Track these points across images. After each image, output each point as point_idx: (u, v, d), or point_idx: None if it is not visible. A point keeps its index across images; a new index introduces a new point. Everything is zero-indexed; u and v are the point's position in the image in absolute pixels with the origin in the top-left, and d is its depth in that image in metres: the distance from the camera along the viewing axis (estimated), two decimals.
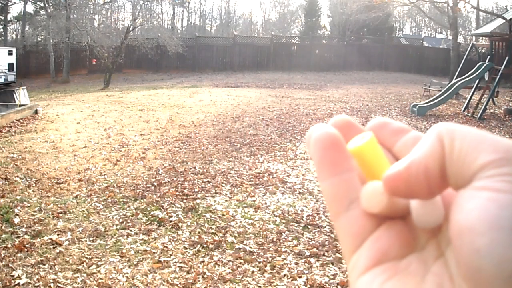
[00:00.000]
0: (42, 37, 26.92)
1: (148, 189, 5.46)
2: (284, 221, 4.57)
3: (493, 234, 0.20)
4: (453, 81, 13.05)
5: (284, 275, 3.51)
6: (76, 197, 5.17)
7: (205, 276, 3.48)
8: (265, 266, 3.65)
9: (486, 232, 0.20)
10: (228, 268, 3.61)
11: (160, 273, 3.52)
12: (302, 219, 4.60)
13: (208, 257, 3.79)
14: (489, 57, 12.96)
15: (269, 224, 4.49)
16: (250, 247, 3.96)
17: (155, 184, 5.66)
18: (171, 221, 4.48)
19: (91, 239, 4.09)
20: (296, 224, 4.49)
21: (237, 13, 61.97)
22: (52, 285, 3.31)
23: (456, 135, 0.24)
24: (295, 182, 5.84)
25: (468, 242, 0.21)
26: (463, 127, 0.24)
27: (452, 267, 0.23)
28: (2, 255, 3.72)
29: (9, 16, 30.37)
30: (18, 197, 5.08)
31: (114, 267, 3.58)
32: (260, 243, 4.05)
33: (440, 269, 0.24)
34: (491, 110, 12.42)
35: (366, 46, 28.32)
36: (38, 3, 28.24)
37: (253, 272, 3.56)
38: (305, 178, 6.05)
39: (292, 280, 3.44)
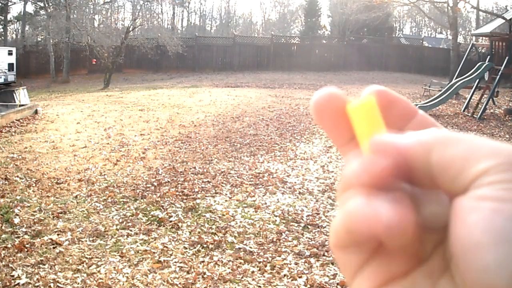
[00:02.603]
0: (42, 37, 26.92)
1: (148, 189, 5.46)
2: (284, 221, 4.57)
3: (501, 248, 0.19)
4: (453, 81, 13.05)
5: (284, 275, 3.51)
6: (76, 197, 5.17)
7: (205, 276, 3.48)
8: (265, 266, 3.65)
9: (494, 247, 0.19)
10: (228, 268, 3.61)
11: (160, 273, 3.52)
12: (302, 219, 4.60)
13: (208, 257, 3.79)
14: (489, 57, 12.97)
15: (269, 224, 4.49)
16: (250, 247, 3.96)
17: (155, 184, 5.66)
18: (171, 221, 4.49)
19: (91, 239, 4.09)
20: (296, 224, 4.49)
21: (237, 13, 61.98)
22: (52, 285, 3.31)
23: (450, 141, 0.22)
24: (295, 182, 5.84)
25: (475, 259, 0.19)
26: (459, 134, 0.23)
27: (459, 284, 0.22)
28: (2, 255, 3.72)
29: (9, 16, 30.38)
30: (18, 197, 5.08)
31: (114, 267, 3.58)
32: (260, 243, 4.05)
33: (447, 285, 0.22)
34: (491, 110, 12.42)
35: (366, 46, 28.33)
36: (38, 3, 28.25)
37: (253, 272, 3.56)
38: (305, 178, 6.05)
39: (292, 280, 3.44)
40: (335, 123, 0.27)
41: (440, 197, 0.24)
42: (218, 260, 3.72)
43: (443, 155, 0.22)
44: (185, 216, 4.65)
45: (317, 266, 3.65)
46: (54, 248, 3.89)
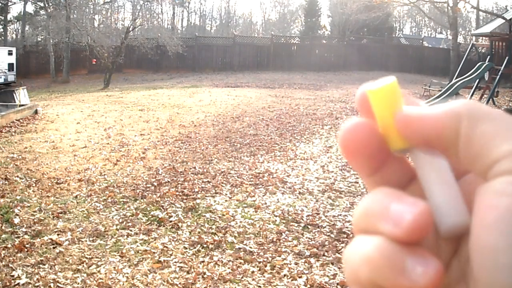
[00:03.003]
0: (42, 37, 26.92)
1: (148, 189, 5.46)
2: (284, 221, 4.57)
3: None
4: (453, 81, 13.05)
5: (284, 275, 3.51)
6: (76, 197, 5.17)
7: (205, 276, 3.48)
8: (265, 266, 3.65)
9: (509, 250, 0.19)
10: (228, 268, 3.61)
11: (160, 273, 3.52)
12: (302, 219, 4.60)
13: (208, 257, 3.79)
14: (489, 57, 12.98)
15: (269, 224, 4.49)
16: (250, 247, 3.96)
17: (155, 184, 5.66)
18: (171, 221, 4.49)
19: (91, 239, 4.09)
20: (296, 224, 4.49)
21: (237, 13, 62.00)
22: (52, 285, 3.31)
23: (483, 115, 0.22)
24: (295, 182, 5.84)
25: (491, 260, 0.20)
26: (491, 109, 0.22)
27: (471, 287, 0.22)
28: (2, 255, 3.72)
29: (9, 16, 30.39)
30: (18, 197, 5.08)
31: (114, 267, 3.58)
32: (260, 243, 4.05)
33: None
34: None
35: (366, 46, 28.33)
36: (38, 3, 28.25)
37: (253, 272, 3.56)
38: (305, 178, 6.05)
39: (292, 280, 3.44)
40: (363, 154, 0.26)
41: (460, 207, 0.24)
42: (218, 260, 3.72)
43: (472, 130, 0.22)
44: (185, 216, 4.65)
45: (317, 266, 3.65)
46: (54, 248, 3.89)
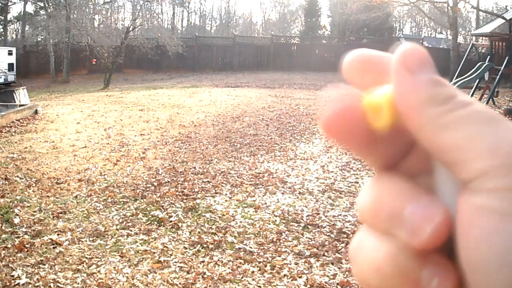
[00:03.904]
0: (42, 37, 26.93)
1: (148, 189, 5.46)
2: (284, 221, 4.57)
3: (506, 271, 0.19)
4: (453, 81, 13.05)
5: (284, 275, 3.51)
6: (76, 197, 5.17)
7: (205, 276, 3.48)
8: (265, 266, 3.65)
9: (499, 269, 0.19)
10: (228, 268, 3.61)
11: (160, 273, 3.52)
12: (302, 219, 4.60)
13: (208, 257, 3.79)
14: (489, 57, 12.97)
15: (269, 224, 4.49)
16: (250, 247, 3.96)
17: (155, 184, 5.66)
18: (171, 221, 4.49)
19: (91, 239, 4.09)
20: (296, 224, 4.49)
21: (237, 13, 61.97)
22: (52, 285, 3.31)
23: (448, 118, 0.21)
24: (295, 182, 5.84)
25: (483, 279, 0.19)
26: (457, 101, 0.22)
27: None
28: (2, 255, 3.72)
29: (9, 16, 30.38)
30: (18, 197, 5.08)
31: (114, 267, 3.58)
32: (260, 243, 4.05)
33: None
34: None
35: (366, 46, 28.07)
36: (38, 3, 28.25)
37: (253, 272, 3.56)
38: (305, 178, 6.05)
39: (292, 280, 3.44)
40: (351, 140, 0.26)
41: None
42: (218, 260, 3.72)
43: (438, 137, 0.21)
44: (185, 216, 4.65)
45: (317, 266, 3.65)
46: (54, 248, 3.89)
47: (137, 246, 3.96)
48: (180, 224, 4.43)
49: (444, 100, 0.22)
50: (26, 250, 3.82)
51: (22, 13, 29.75)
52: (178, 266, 3.62)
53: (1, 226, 4.28)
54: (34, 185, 5.55)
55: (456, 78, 13.11)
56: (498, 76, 11.65)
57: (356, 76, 0.27)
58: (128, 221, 4.50)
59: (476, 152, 0.20)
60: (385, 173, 0.25)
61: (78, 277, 3.44)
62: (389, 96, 0.24)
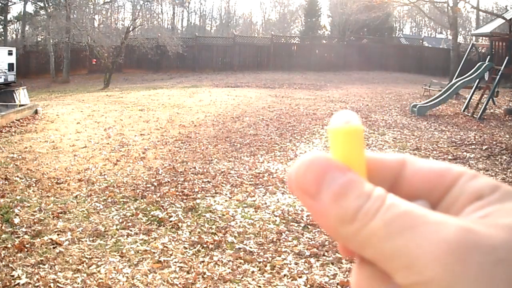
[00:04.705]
0: (42, 37, 26.92)
1: (148, 189, 5.46)
2: (284, 221, 4.57)
3: None
4: (453, 81, 13.05)
5: (284, 275, 3.51)
6: (76, 197, 5.17)
7: (205, 276, 3.48)
8: (265, 266, 3.65)
9: None
10: (228, 268, 3.61)
11: (160, 273, 3.52)
12: (302, 219, 4.60)
13: (208, 257, 3.79)
14: (489, 57, 12.96)
15: (269, 224, 4.49)
16: (250, 247, 3.96)
17: (155, 184, 5.66)
18: (171, 221, 4.48)
19: (91, 239, 4.09)
20: (296, 224, 4.49)
21: (237, 13, 61.99)
22: (52, 285, 3.31)
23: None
24: None
25: None
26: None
27: None
28: (2, 255, 3.72)
29: (9, 16, 30.36)
30: (18, 197, 5.07)
31: (114, 267, 3.58)
32: (260, 243, 4.05)
33: None
34: (491, 110, 12.41)
35: (366, 46, 28.32)
36: (38, 3, 28.25)
37: (253, 272, 3.56)
38: None
39: (292, 280, 3.44)
40: None
41: None
42: (218, 260, 3.72)
43: (361, 252, 0.23)
44: (185, 216, 4.65)
45: (317, 266, 3.65)
46: (54, 248, 3.89)
47: (137, 246, 3.96)
48: (180, 224, 4.43)
49: (352, 218, 0.22)
50: (26, 250, 3.82)
51: (22, 13, 29.74)
52: (178, 266, 3.62)
53: (1, 226, 4.28)
54: (34, 185, 5.55)
55: (456, 78, 13.10)
56: (498, 76, 11.64)
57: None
58: (128, 221, 4.50)
59: (396, 268, 0.21)
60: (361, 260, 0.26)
61: (78, 277, 3.44)
62: None
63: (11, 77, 13.05)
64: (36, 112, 10.72)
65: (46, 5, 24.02)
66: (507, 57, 12.02)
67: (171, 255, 3.81)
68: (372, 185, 0.23)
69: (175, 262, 3.70)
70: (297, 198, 0.24)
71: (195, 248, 3.95)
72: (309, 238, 4.17)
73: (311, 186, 0.23)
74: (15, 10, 45.71)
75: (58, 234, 4.15)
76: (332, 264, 3.68)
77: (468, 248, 0.20)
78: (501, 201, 0.22)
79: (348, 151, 0.25)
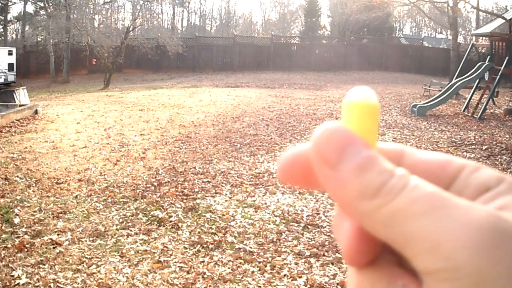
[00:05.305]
0: (42, 37, 26.91)
1: (148, 189, 5.46)
2: (284, 221, 4.57)
3: None
4: (453, 81, 13.05)
5: (284, 275, 3.51)
6: (76, 197, 5.17)
7: (205, 276, 3.48)
8: (265, 266, 3.65)
9: None
10: (228, 268, 3.61)
11: (160, 273, 3.52)
12: (302, 219, 4.60)
13: (208, 257, 3.79)
14: (489, 57, 12.95)
15: (269, 224, 4.49)
16: (250, 247, 3.96)
17: (155, 184, 5.66)
18: (171, 221, 4.48)
19: (91, 239, 4.09)
20: (296, 224, 4.49)
21: (237, 13, 62.00)
22: (52, 285, 3.31)
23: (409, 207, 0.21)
24: None
25: None
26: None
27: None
28: (2, 255, 3.72)
29: (9, 16, 30.38)
30: (18, 197, 5.07)
31: (114, 267, 3.58)
32: (260, 243, 4.05)
33: None
34: (491, 110, 12.42)
35: (366, 46, 28.33)
36: (38, 3, 28.25)
37: (253, 272, 3.56)
38: None
39: (292, 280, 3.44)
40: (304, 185, 0.26)
41: None
42: (218, 260, 3.72)
43: (378, 232, 0.21)
44: (185, 216, 4.65)
45: (317, 266, 3.65)
46: (54, 248, 3.89)
47: (137, 246, 3.96)
48: (180, 224, 4.43)
49: (375, 193, 0.21)
50: (26, 250, 3.82)
51: (22, 13, 29.75)
52: (178, 266, 3.62)
53: (1, 226, 4.28)
54: (34, 185, 5.55)
55: (456, 78, 13.10)
56: (498, 76, 11.64)
57: (294, 182, 0.25)
58: (128, 221, 4.50)
59: (418, 251, 0.20)
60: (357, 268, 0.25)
61: (78, 277, 3.44)
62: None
63: (11, 77, 13.05)
64: (36, 112, 10.72)
65: (46, 5, 24.01)
66: (507, 57, 12.02)
67: (171, 255, 3.81)
68: (393, 164, 0.22)
69: (175, 262, 3.70)
70: (314, 166, 0.23)
71: (195, 248, 3.95)
72: (309, 238, 4.17)
73: (333, 154, 0.22)
74: (15, 10, 45.73)
75: (58, 234, 4.15)
76: (332, 264, 3.68)
77: (503, 235, 0.19)
78: (509, 193, 0.22)
79: (364, 126, 0.23)
